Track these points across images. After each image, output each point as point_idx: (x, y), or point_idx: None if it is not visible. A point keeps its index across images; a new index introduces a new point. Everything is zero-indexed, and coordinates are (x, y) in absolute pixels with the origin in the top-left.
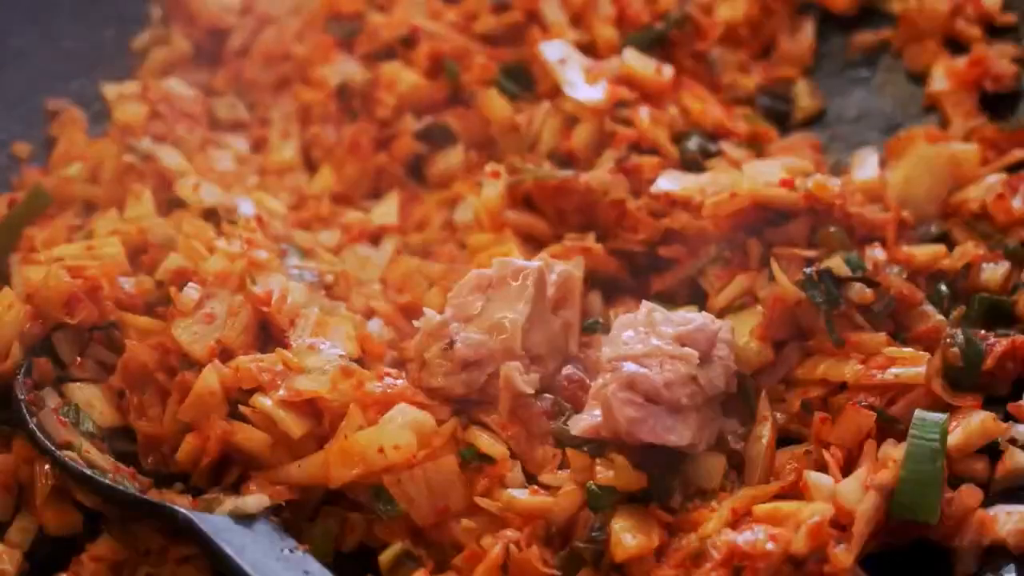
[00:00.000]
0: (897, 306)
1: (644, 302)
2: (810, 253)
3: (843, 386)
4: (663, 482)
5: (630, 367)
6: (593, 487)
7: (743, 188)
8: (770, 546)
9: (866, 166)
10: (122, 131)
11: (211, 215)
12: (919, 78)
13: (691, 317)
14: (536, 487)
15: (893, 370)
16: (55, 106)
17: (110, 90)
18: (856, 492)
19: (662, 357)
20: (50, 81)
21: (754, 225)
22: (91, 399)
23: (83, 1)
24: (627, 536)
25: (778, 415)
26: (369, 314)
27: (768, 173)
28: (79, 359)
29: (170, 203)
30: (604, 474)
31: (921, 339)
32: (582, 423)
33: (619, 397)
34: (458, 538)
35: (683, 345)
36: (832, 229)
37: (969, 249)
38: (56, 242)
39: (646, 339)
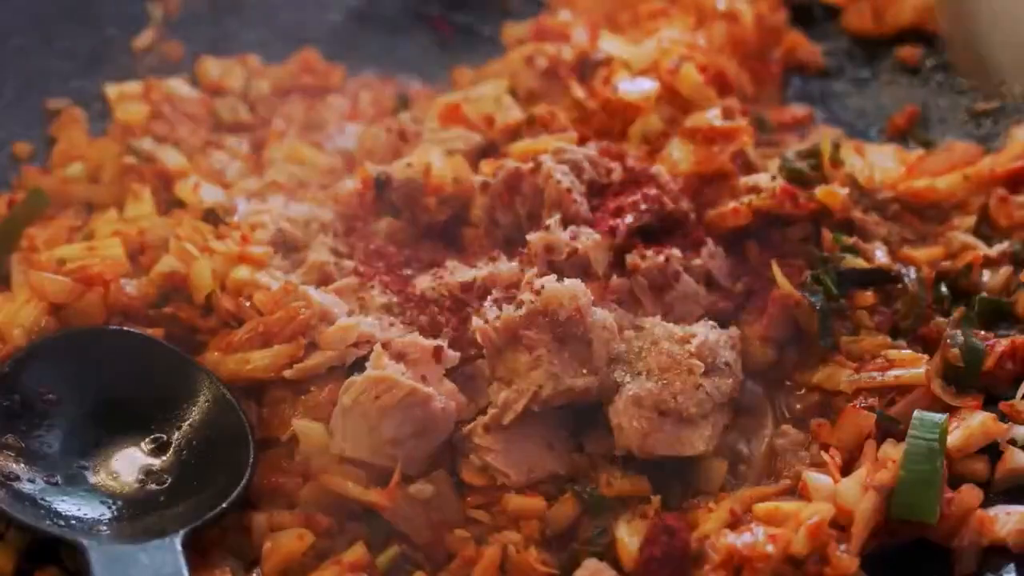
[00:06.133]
0: (897, 307)
1: (646, 318)
2: (811, 255)
3: None
4: (665, 486)
5: (637, 384)
6: (592, 493)
7: (743, 201)
8: (769, 548)
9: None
10: (123, 131)
11: (211, 215)
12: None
13: (694, 329)
14: (533, 492)
15: (893, 372)
16: (55, 106)
17: (112, 90)
18: (856, 492)
19: (668, 370)
20: (50, 81)
21: (756, 231)
22: None
23: (83, 1)
24: (633, 541)
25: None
26: None
27: (769, 184)
28: None
29: (170, 203)
30: (608, 485)
31: (921, 339)
32: (597, 441)
33: (628, 414)
34: (454, 547)
35: (688, 356)
36: (834, 232)
37: (969, 250)
38: (56, 242)
39: (651, 354)
